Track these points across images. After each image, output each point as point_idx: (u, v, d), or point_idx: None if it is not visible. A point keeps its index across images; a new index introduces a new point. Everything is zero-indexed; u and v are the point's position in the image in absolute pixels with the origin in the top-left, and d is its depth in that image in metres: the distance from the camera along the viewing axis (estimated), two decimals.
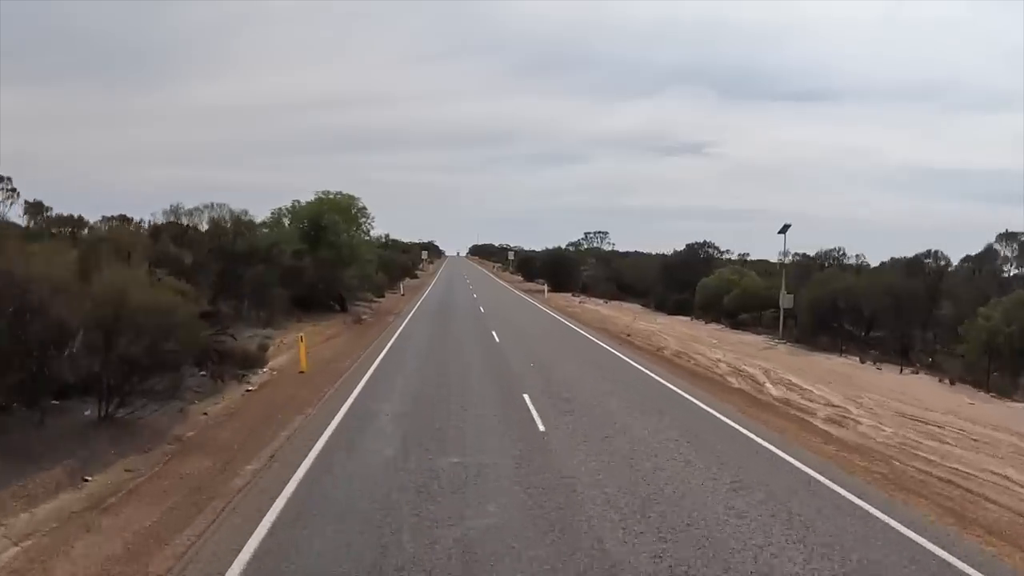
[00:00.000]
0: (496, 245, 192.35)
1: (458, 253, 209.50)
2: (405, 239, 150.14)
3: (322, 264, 28.95)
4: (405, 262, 59.86)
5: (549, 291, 56.87)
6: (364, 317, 32.44)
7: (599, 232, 66.59)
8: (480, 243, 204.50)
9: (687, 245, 44.92)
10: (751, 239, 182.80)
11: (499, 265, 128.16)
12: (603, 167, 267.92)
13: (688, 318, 37.53)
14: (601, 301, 46.30)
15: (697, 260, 43.43)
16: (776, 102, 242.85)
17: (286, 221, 31.68)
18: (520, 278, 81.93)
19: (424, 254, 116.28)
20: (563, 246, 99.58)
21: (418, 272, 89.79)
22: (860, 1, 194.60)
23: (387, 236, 56.11)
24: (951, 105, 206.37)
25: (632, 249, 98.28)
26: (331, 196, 31.75)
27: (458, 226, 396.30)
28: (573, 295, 51.50)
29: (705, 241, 44.49)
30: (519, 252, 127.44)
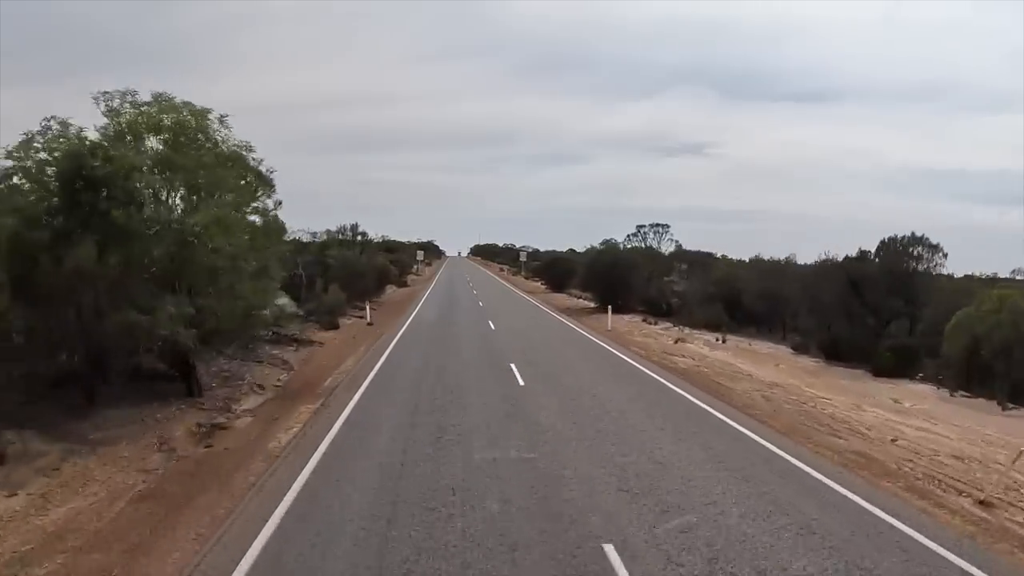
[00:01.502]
0: (500, 245, 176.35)
1: (459, 253, 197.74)
2: (403, 239, 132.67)
3: (59, 293, 9.71)
4: (384, 267, 40.56)
5: (596, 310, 37.69)
6: (237, 408, 13.21)
7: (656, 225, 47.38)
8: (482, 243, 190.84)
9: (883, 242, 25.23)
10: (753, 239, 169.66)
11: (506, 267, 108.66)
12: (604, 168, 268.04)
13: (933, 388, 18.28)
14: (711, 337, 27.06)
15: (901, 270, 24.01)
16: (777, 103, 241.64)
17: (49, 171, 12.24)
18: (541, 285, 62.78)
19: (419, 255, 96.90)
20: (589, 245, 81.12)
21: (411, 277, 70.63)
22: (860, 2, 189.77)
23: (354, 228, 36.69)
24: (951, 106, 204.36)
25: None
26: (137, 106, 12.20)
27: (458, 226, 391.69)
28: (646, 321, 32.24)
29: (913, 235, 24.54)
30: (532, 253, 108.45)
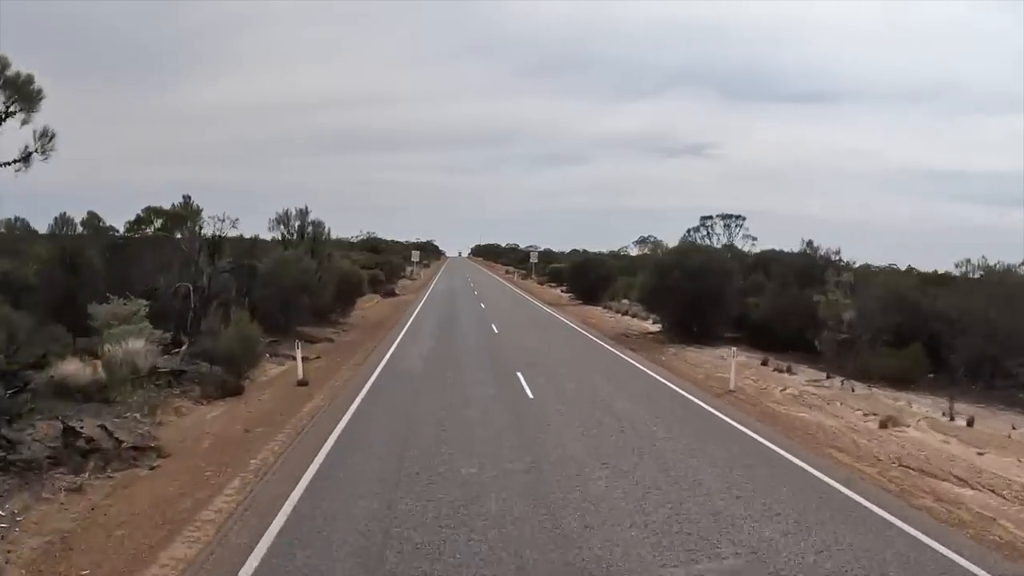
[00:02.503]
0: (503, 245, 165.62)
1: (460, 254, 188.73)
2: (402, 239, 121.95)
3: None
4: (352, 274, 27.68)
5: (666, 339, 25.29)
6: None
7: (727, 217, 35.10)
8: (483, 243, 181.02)
9: None
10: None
11: (514, 270, 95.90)
12: (604, 168, 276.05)
13: None
14: (922, 405, 14.65)
15: None
16: (777, 104, 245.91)
17: None
18: (562, 293, 50.38)
19: (415, 255, 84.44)
20: (626, 245, 69.30)
21: (404, 283, 58.25)
22: (861, 4, 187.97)
23: (302, 214, 23.23)
24: (951, 107, 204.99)
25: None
26: None
27: (458, 226, 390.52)
28: (774, 368, 19.85)
29: None
30: (543, 254, 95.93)
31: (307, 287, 20.42)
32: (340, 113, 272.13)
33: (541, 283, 67.85)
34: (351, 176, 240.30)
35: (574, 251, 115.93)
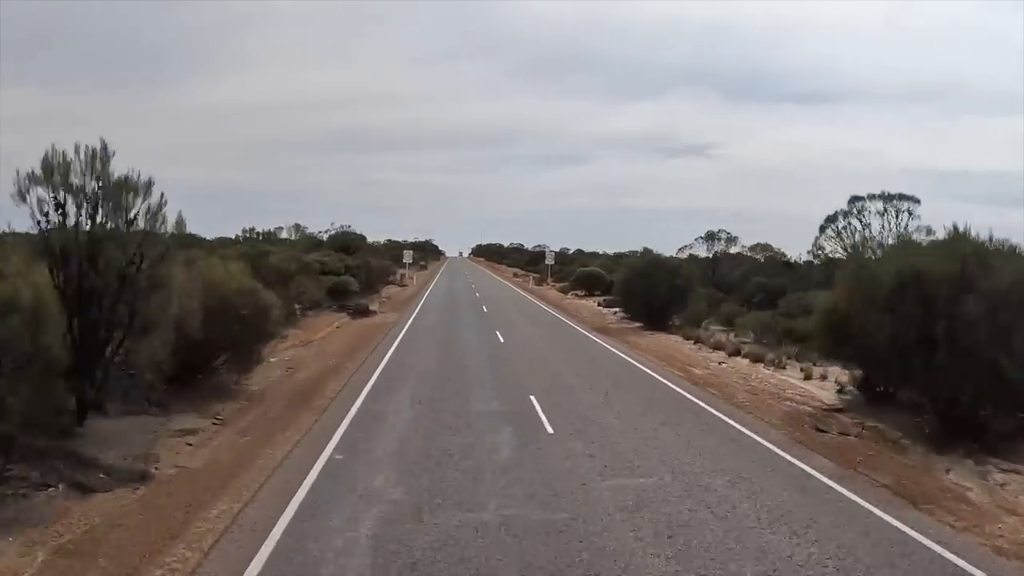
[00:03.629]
0: (506, 245, 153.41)
1: (460, 254, 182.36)
2: (401, 238, 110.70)
3: None
4: (240, 299, 13.92)
5: (980, 475, 12.10)
6: None
7: (891, 197, 21.51)
8: (484, 243, 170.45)
9: None
10: (755, 239, 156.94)
11: (527, 274, 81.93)
12: (606, 168, 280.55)
13: None
14: None
15: None
16: (779, 104, 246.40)
17: None
18: (599, 306, 37.03)
19: (407, 256, 70.49)
20: (681, 246, 56.50)
21: (391, 291, 44.87)
22: (863, 4, 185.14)
23: (103, 155, 10.16)
24: (953, 108, 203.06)
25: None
26: None
27: (459, 226, 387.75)
28: None
29: None
30: (559, 254, 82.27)
31: (37, 349, 7.00)
32: (342, 113, 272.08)
33: (563, 291, 54.42)
34: (352, 177, 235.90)
35: (579, 251, 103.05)
